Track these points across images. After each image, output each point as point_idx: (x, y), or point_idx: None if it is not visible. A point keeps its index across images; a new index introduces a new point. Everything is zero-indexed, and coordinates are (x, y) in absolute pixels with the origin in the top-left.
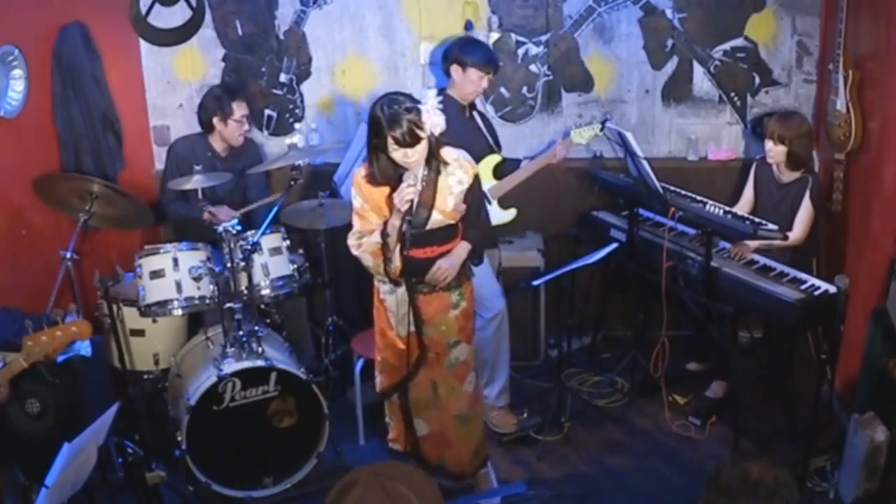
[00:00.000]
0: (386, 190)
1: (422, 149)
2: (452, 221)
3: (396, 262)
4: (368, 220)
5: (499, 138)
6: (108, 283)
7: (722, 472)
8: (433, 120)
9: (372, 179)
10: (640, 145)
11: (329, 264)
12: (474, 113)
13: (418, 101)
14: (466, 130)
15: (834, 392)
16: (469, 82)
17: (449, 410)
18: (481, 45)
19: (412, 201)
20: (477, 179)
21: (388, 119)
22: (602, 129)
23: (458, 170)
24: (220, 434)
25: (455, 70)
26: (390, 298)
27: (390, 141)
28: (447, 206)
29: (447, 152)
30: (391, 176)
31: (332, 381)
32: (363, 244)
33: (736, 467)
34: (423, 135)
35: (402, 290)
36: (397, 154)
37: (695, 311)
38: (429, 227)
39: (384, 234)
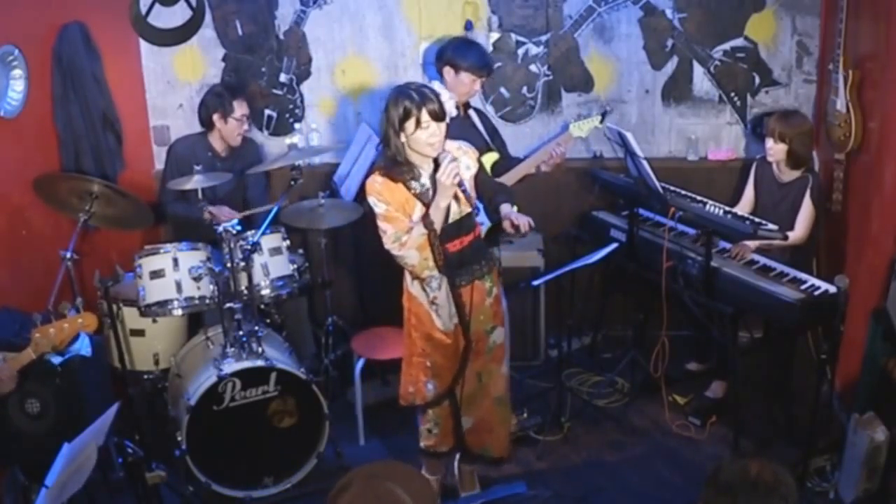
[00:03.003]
0: (402, 188)
1: (444, 129)
2: (469, 209)
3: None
4: (401, 220)
5: (501, 136)
6: (108, 283)
7: (721, 469)
8: (447, 105)
9: (390, 172)
10: (640, 145)
11: (329, 264)
12: (470, 111)
13: None
14: (461, 129)
15: (834, 392)
16: (461, 84)
17: (490, 395)
18: (475, 47)
19: (458, 175)
20: (480, 160)
21: (420, 97)
22: (602, 121)
23: (464, 156)
24: (220, 434)
25: (448, 72)
26: (441, 294)
27: (425, 116)
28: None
29: (448, 144)
30: (404, 171)
31: (332, 381)
32: (406, 242)
33: (735, 465)
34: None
35: (446, 283)
36: (425, 133)
37: (695, 311)
38: (451, 219)
39: (429, 224)
